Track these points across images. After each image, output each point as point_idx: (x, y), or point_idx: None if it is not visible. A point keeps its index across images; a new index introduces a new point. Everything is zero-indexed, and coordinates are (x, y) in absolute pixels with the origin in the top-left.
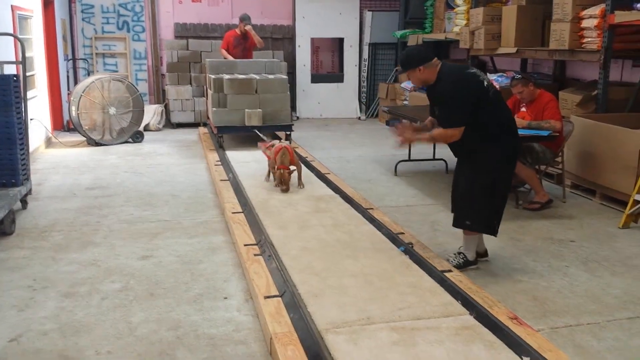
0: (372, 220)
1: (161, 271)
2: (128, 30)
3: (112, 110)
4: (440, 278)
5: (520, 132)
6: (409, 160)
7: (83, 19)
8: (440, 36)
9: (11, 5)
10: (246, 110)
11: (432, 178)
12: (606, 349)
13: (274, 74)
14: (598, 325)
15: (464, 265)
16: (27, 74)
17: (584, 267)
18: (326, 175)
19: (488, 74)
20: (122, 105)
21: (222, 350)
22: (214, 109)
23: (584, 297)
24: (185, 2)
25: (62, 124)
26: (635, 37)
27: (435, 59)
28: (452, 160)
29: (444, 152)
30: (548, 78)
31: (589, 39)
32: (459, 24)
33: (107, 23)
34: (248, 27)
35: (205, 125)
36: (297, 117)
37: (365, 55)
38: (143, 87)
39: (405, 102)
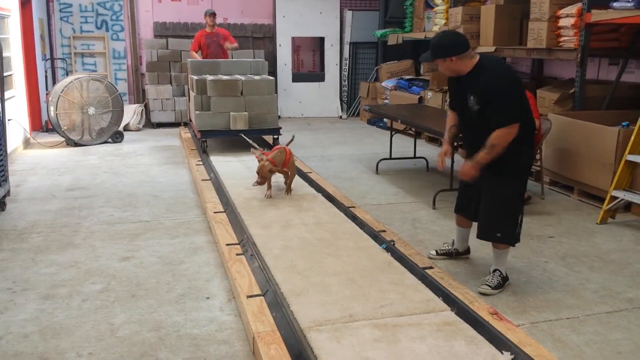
0: (354, 218)
1: (142, 272)
2: (107, 30)
3: (92, 110)
4: (421, 275)
5: None
6: (390, 158)
7: (61, 18)
8: (419, 35)
9: None
10: (231, 113)
11: (413, 176)
12: (585, 343)
13: (260, 74)
14: (577, 320)
15: (503, 283)
16: (5, 74)
17: (563, 263)
18: (308, 174)
19: None
20: (102, 105)
21: (205, 351)
22: (197, 112)
23: (563, 292)
24: (165, 1)
25: (40, 124)
26: (611, 35)
27: (471, 49)
28: (433, 157)
29: (425, 150)
30: (526, 76)
31: (566, 38)
32: (438, 23)
33: (86, 22)
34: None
35: (185, 124)
36: (279, 117)
37: (346, 54)
38: (122, 87)
39: (386, 101)
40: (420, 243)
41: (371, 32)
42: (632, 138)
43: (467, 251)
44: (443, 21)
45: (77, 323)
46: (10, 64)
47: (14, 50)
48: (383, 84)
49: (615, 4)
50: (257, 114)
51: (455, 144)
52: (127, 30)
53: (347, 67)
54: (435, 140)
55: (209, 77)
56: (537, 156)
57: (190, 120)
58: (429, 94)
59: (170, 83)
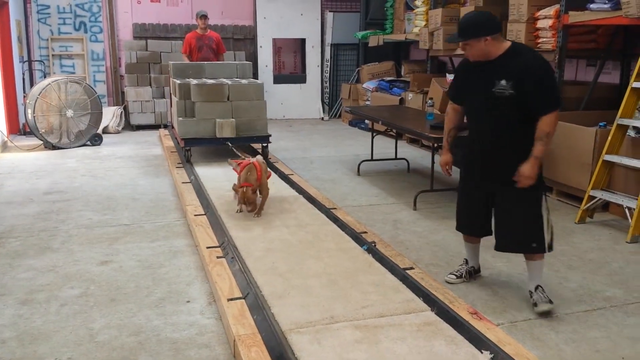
0: (335, 220)
1: (122, 276)
2: (85, 31)
3: (70, 113)
4: (402, 275)
5: None
6: (372, 160)
7: (39, 20)
8: (400, 37)
9: None
10: (217, 119)
11: (394, 177)
12: (564, 341)
13: (247, 77)
14: (556, 318)
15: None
16: None
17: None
18: (289, 176)
19: (447, 74)
20: (80, 108)
21: (185, 354)
22: (180, 118)
23: None
24: (144, 2)
25: (18, 127)
26: (588, 37)
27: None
28: (414, 159)
29: (406, 151)
30: None
31: (544, 39)
32: (419, 24)
33: (64, 24)
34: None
35: (165, 126)
36: None
37: (328, 55)
38: (101, 89)
39: (368, 102)
40: (401, 244)
41: (352, 34)
42: (609, 138)
43: (479, 270)
44: (423, 23)
45: (56, 328)
46: None
47: None
48: (364, 85)
49: (592, 6)
50: (245, 121)
51: (436, 145)
52: (105, 31)
53: (328, 69)
54: (416, 141)
55: (193, 81)
56: None
57: (173, 127)
58: (410, 95)
59: (150, 85)
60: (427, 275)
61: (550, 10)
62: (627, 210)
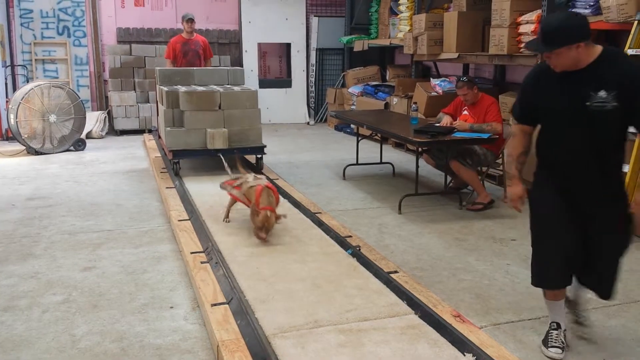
0: (320, 224)
1: (104, 282)
2: (69, 36)
3: (53, 118)
4: (386, 279)
5: (462, 134)
6: (357, 164)
7: (22, 24)
8: (385, 42)
9: None
10: (208, 130)
11: (380, 181)
12: None
13: (239, 84)
14: (538, 321)
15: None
16: None
17: (525, 265)
18: (275, 180)
19: (431, 79)
20: (63, 113)
21: None
22: (168, 128)
23: (524, 294)
24: (128, 6)
25: (0, 132)
26: None
27: None
28: (399, 163)
29: (391, 155)
30: (489, 82)
31: None
32: (403, 29)
33: (47, 28)
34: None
35: (150, 131)
36: None
37: (313, 60)
38: (85, 94)
39: (353, 107)
40: (386, 248)
41: (337, 39)
42: None
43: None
44: (407, 28)
45: (38, 335)
46: None
47: None
48: (350, 90)
49: (573, 11)
50: (238, 131)
51: (420, 149)
52: (89, 36)
53: (314, 73)
54: (401, 145)
55: (182, 89)
56: (500, 160)
57: (160, 137)
58: (395, 99)
59: (134, 89)
60: (411, 279)
61: (533, 15)
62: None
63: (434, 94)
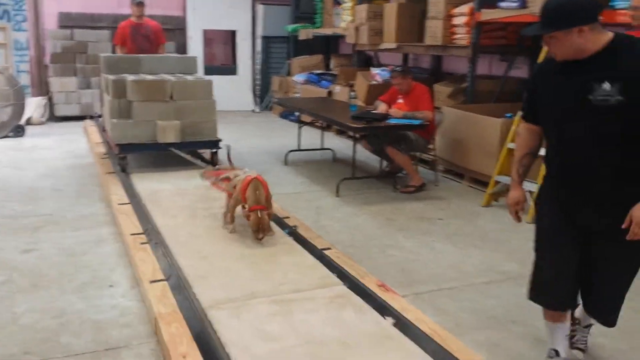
0: None
1: (44, 264)
2: (8, 20)
3: None
4: (320, 255)
5: (395, 121)
6: (299, 150)
7: None
8: (329, 31)
9: None
10: (158, 122)
11: (320, 166)
12: (461, 309)
13: (192, 73)
14: (456, 290)
15: None
16: None
17: (449, 242)
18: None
19: (372, 68)
20: (2, 98)
21: (107, 334)
22: (114, 120)
23: (446, 268)
24: None
25: None
26: (499, 33)
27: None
28: (339, 149)
29: (332, 142)
30: (426, 72)
31: (460, 35)
32: (346, 19)
33: None
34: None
35: (92, 117)
36: None
37: (259, 48)
38: (25, 79)
39: (297, 95)
40: (322, 228)
41: (283, 27)
42: (513, 127)
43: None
44: (350, 18)
45: None
46: None
47: None
48: (294, 78)
49: (502, 4)
50: (191, 123)
51: (358, 135)
52: (30, 20)
53: (259, 61)
54: (343, 132)
55: (130, 77)
56: (432, 146)
57: (105, 130)
58: (337, 88)
59: (76, 75)
60: (342, 255)
61: (465, 8)
62: (528, 194)
63: (374, 82)
